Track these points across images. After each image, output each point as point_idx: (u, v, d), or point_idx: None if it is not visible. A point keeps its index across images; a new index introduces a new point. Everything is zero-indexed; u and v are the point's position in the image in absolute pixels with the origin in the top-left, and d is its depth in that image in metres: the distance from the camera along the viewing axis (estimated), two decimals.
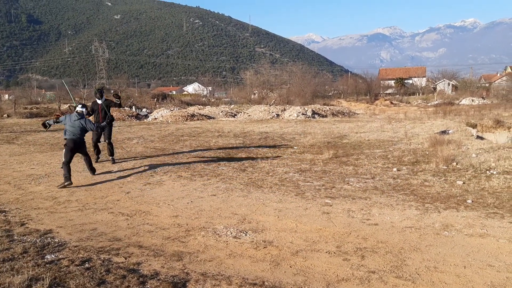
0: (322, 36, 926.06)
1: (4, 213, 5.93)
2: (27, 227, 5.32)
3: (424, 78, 79.62)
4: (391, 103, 42.84)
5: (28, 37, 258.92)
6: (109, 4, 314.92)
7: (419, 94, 62.73)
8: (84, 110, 8.46)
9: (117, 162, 10.10)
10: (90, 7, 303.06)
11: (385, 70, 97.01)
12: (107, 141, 10.16)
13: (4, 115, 28.45)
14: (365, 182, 7.63)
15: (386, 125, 18.68)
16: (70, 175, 7.64)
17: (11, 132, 18.05)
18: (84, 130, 8.26)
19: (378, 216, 5.65)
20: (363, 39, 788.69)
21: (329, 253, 4.42)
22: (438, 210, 5.88)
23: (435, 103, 40.96)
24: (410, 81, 76.79)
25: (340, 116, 27.16)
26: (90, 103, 10.61)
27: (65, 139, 8.13)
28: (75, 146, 8.12)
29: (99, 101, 10.23)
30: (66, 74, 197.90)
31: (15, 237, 4.93)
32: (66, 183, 7.55)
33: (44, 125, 8.51)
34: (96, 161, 10.01)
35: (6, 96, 60.70)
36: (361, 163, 9.59)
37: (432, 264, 4.11)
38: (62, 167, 7.88)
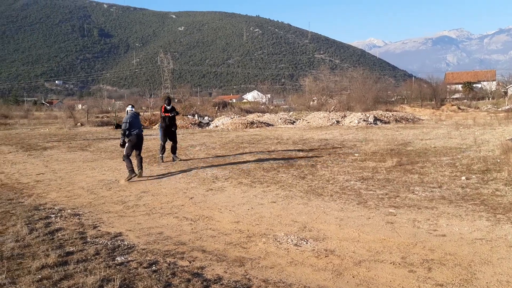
0: (384, 40, 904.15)
1: (78, 216, 6.34)
2: (99, 230, 5.65)
3: (494, 82, 74.91)
4: (459, 108, 40.80)
5: (99, 50, 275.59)
6: (174, 16, 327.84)
7: (488, 99, 59.15)
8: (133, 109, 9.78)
9: (178, 161, 11.67)
10: (156, 20, 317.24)
11: (452, 74, 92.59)
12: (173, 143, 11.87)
13: (78, 124, 30.43)
14: (432, 191, 7.33)
15: (454, 132, 17.81)
16: (133, 166, 8.95)
17: (84, 139, 19.25)
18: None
19: (445, 227, 5.40)
20: (428, 42, 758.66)
21: (393, 264, 4.29)
22: (511, 221, 5.52)
23: (507, 108, 38.49)
24: (479, 85, 72.69)
25: (403, 122, 26.27)
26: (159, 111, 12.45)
27: (131, 135, 9.27)
28: (138, 141, 9.41)
29: (168, 107, 11.91)
30: (133, 84, 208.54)
31: (88, 239, 5.25)
32: (132, 176, 8.85)
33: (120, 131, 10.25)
34: (162, 160, 11.71)
35: (80, 106, 64.96)
36: (427, 171, 9.22)
37: (505, 278, 3.87)
38: (123, 160, 9.23)
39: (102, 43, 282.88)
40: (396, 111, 35.07)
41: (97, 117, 36.12)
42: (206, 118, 30.86)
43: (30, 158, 13.16)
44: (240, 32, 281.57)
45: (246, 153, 13.05)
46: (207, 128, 25.88)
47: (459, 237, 5.03)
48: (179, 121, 26.46)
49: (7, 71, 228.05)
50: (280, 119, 28.13)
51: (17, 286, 3.85)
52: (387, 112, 31.48)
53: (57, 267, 4.27)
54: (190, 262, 4.43)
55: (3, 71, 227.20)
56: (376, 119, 25.90)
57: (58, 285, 3.86)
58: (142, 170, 9.31)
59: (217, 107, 39.79)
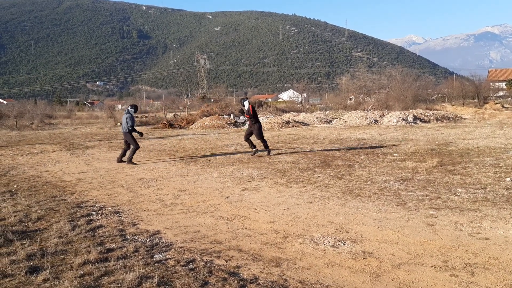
0: (424, 37, 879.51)
1: (118, 214, 6.50)
2: (138, 228, 5.77)
3: None
4: (503, 106, 39.15)
5: (138, 51, 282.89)
6: (210, 17, 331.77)
7: None
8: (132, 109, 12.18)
9: (272, 155, 12.41)
10: (193, 21, 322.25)
11: (495, 71, 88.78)
12: (260, 139, 12.44)
13: (118, 124, 31.26)
14: (475, 193, 7.05)
15: (497, 131, 17.11)
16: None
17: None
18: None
19: (489, 230, 5.18)
20: (470, 39, 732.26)
21: (434, 267, 4.16)
22: None
23: None
24: None
25: (444, 121, 25.46)
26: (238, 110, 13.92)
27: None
28: (125, 136, 12.17)
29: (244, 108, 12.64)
30: (171, 85, 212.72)
31: (128, 237, 5.37)
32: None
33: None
34: (253, 154, 12.38)
35: (120, 106, 66.80)
36: (470, 172, 8.89)
37: None
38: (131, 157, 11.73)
39: (141, 44, 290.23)
40: (436, 109, 34.04)
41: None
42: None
43: (72, 157, 13.63)
44: (276, 31, 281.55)
45: (281, 153, 13.02)
46: (242, 127, 25.99)
47: (504, 240, 4.81)
48: (214, 121, 26.74)
49: (51, 72, 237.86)
50: (316, 118, 27.88)
51: (60, 281, 3.99)
52: (427, 110, 30.57)
53: (98, 263, 4.39)
54: (226, 261, 4.46)
55: (47, 73, 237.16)
56: (415, 118, 25.23)
57: (99, 281, 3.97)
58: (121, 161, 11.93)
59: None
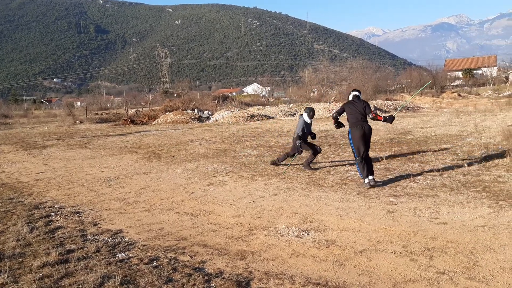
0: (383, 29, 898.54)
1: (78, 214, 6.33)
2: (99, 227, 5.64)
3: (495, 68, 74.35)
4: (459, 95, 40.70)
5: (96, 46, 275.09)
6: (170, 10, 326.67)
7: (489, 85, 58.86)
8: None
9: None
10: (153, 14, 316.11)
11: (452, 61, 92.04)
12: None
13: (77, 121, 30.40)
14: (433, 180, 7.30)
15: (454, 119, 17.77)
16: None
17: (83, 137, 19.23)
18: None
19: (447, 215, 5.38)
20: (427, 30, 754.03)
21: (395, 253, 4.28)
22: None
23: (508, 93, 38.38)
24: (480, 72, 72.21)
25: (404, 111, 26.21)
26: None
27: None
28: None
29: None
30: (132, 80, 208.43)
31: (89, 237, 5.24)
32: None
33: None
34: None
35: (79, 103, 64.94)
36: (428, 159, 9.19)
37: (508, 265, 3.85)
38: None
39: (99, 39, 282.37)
40: (396, 100, 35.00)
41: (96, 114, 36.06)
42: (206, 112, 30.80)
43: (29, 157, 13.15)
44: (238, 24, 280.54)
45: (247, 146, 13.03)
46: (207, 122, 25.84)
47: (461, 224, 5.01)
48: (178, 116, 26.42)
49: (5, 70, 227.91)
50: (281, 111, 28.08)
51: (19, 284, 3.85)
52: (387, 101, 31.43)
53: (58, 265, 4.26)
54: (191, 257, 4.43)
55: (1, 70, 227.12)
56: (376, 108, 25.84)
57: (59, 283, 3.86)
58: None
59: (217, 101, 39.68)
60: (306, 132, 8.91)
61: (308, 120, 8.92)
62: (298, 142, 8.72)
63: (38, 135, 21.45)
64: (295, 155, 9.07)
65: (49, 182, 8.99)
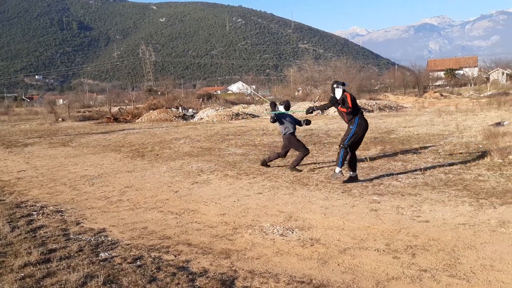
0: (367, 29, 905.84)
1: (60, 213, 6.24)
2: (82, 226, 5.57)
3: (476, 68, 75.74)
4: (441, 95, 41.21)
5: (79, 43, 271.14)
6: (155, 8, 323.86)
7: (470, 85, 59.85)
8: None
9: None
10: (137, 12, 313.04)
11: (434, 61, 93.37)
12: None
13: (59, 119, 29.93)
14: (415, 178, 7.40)
15: (436, 118, 18.02)
16: None
17: (65, 135, 18.96)
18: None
19: (429, 213, 5.46)
20: (410, 30, 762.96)
21: (378, 251, 4.33)
22: (494, 206, 5.61)
23: (489, 93, 39.04)
24: (461, 72, 73.40)
25: (387, 111, 26.48)
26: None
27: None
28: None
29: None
30: (115, 77, 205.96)
31: (71, 236, 5.17)
32: None
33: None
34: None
35: (61, 101, 63.90)
36: (410, 158, 9.31)
37: (488, 263, 3.93)
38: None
39: (82, 36, 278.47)
40: (379, 99, 35.28)
41: (79, 111, 35.52)
42: (190, 110, 30.63)
43: (10, 155, 12.92)
44: (223, 22, 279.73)
45: (232, 145, 13.01)
46: (191, 120, 25.71)
47: (442, 222, 5.09)
48: (162, 114, 26.23)
49: None
50: (266, 110, 28.06)
51: (0, 284, 3.78)
52: (371, 100, 31.66)
53: (40, 264, 4.20)
54: (175, 256, 4.41)
55: None
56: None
57: (41, 283, 3.80)
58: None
59: (201, 99, 39.45)
60: (294, 123, 8.96)
61: (288, 112, 9.03)
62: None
63: (19, 133, 21.08)
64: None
65: (30, 180, 8.85)
